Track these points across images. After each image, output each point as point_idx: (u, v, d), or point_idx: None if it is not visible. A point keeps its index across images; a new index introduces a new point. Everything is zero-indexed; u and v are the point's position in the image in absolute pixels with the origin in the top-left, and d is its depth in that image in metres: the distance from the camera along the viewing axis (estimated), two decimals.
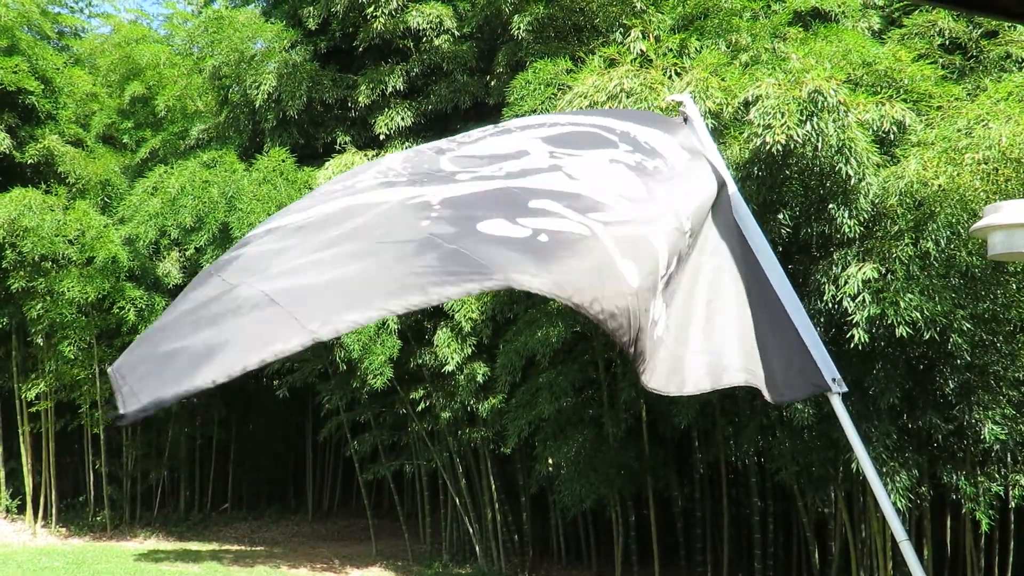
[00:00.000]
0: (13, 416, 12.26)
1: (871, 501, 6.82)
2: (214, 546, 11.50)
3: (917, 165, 4.52)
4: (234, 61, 9.69)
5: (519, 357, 7.76)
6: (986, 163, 4.19)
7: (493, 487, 10.06)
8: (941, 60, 5.89)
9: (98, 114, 12.45)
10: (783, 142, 4.46)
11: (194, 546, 11.45)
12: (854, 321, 4.90)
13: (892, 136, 4.82)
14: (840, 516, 7.56)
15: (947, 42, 6.13)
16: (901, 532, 3.28)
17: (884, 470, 5.56)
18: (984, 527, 5.83)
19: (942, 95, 5.09)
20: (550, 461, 8.39)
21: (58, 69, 12.04)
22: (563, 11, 7.69)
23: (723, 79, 5.12)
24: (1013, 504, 6.77)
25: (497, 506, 10.07)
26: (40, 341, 11.41)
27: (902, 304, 4.69)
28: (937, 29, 6.06)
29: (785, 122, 4.44)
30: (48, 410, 11.90)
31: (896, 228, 5.05)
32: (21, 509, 12.67)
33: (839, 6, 6.53)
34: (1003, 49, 5.80)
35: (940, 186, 4.38)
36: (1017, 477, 6.41)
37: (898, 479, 5.56)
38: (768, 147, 4.53)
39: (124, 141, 12.54)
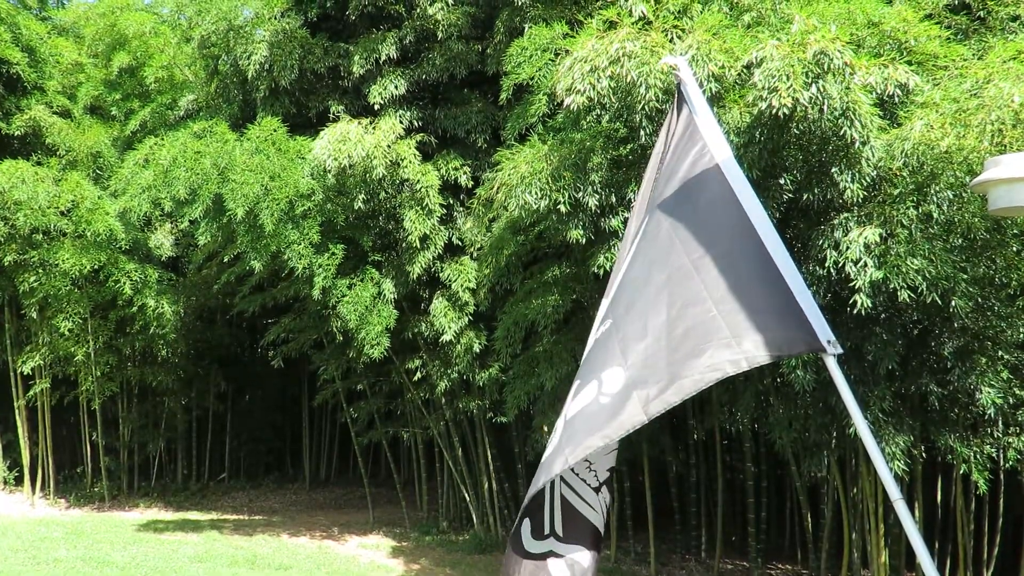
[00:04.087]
0: (8, 389, 12.24)
1: (863, 465, 6.90)
2: (213, 515, 11.57)
3: (923, 127, 4.50)
4: (222, 30, 9.54)
5: (519, 329, 7.76)
6: (993, 124, 4.17)
7: (489, 455, 10.12)
8: (946, 20, 5.85)
9: (84, 85, 12.28)
10: (789, 105, 4.43)
11: (193, 515, 11.52)
12: (856, 286, 4.91)
13: (896, 99, 4.80)
14: (833, 480, 7.65)
15: (954, 2, 6.09)
16: (895, 492, 3.33)
17: (880, 433, 5.62)
18: (982, 488, 5.90)
19: (948, 55, 5.06)
20: (544, 429, 8.44)
21: (42, 39, 11.85)
22: None
23: (724, 41, 5.07)
24: (1007, 466, 6.87)
25: (493, 474, 10.15)
26: (34, 314, 11.36)
27: (904, 268, 4.70)
28: None
29: (791, 85, 4.40)
30: (44, 386, 11.90)
31: (897, 191, 5.05)
32: (19, 481, 12.71)
33: None
34: (1010, 10, 5.76)
35: (945, 148, 4.37)
36: (1010, 440, 6.49)
37: (894, 443, 5.62)
38: (774, 111, 4.50)
39: (112, 112, 12.39)
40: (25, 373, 11.72)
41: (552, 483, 3.74)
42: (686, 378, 3.18)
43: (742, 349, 3.18)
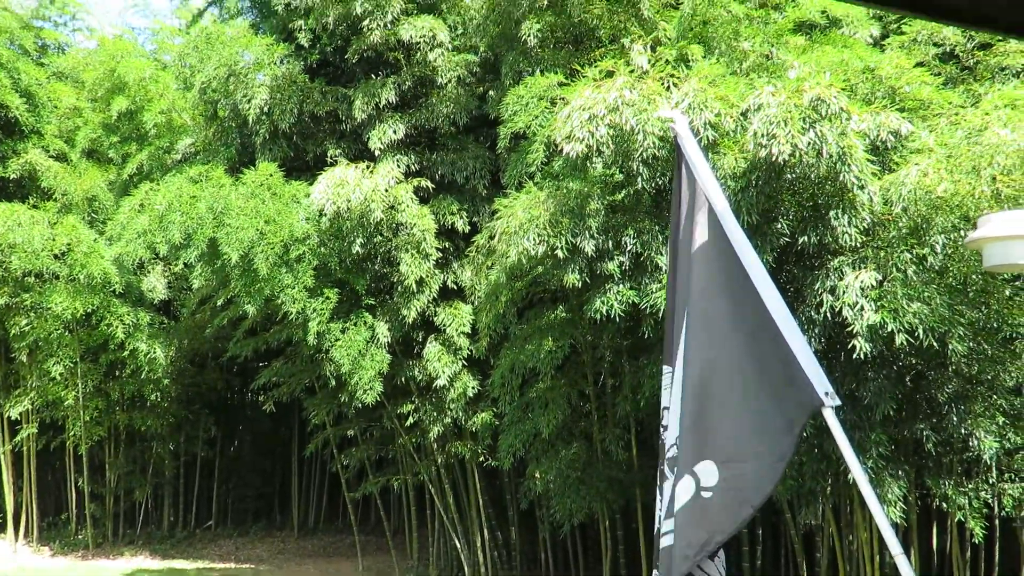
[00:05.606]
0: None
1: (859, 512, 6.87)
2: (200, 564, 11.37)
3: (918, 172, 4.59)
4: (223, 76, 9.68)
5: (515, 375, 7.74)
6: (992, 169, 4.27)
7: (481, 501, 10.02)
8: (935, 69, 6.02)
9: (82, 129, 12.38)
10: (788, 151, 4.52)
11: (179, 564, 11.31)
12: (854, 331, 4.94)
13: (887, 144, 4.90)
14: (828, 527, 7.60)
15: (943, 52, 6.28)
16: (896, 546, 3.29)
17: (878, 479, 5.61)
18: (978, 537, 5.88)
19: (940, 102, 5.19)
20: (537, 477, 8.38)
21: (40, 84, 11.99)
22: (567, 21, 7.79)
23: (720, 89, 5.18)
24: (1003, 513, 6.85)
25: (484, 520, 10.04)
26: (23, 358, 11.27)
27: (902, 312, 4.75)
28: (940, 36, 6.21)
29: (789, 130, 4.49)
30: (31, 431, 11.75)
31: (891, 235, 5.12)
32: (2, 527, 12.46)
33: (845, 14, 6.66)
34: (998, 60, 5.93)
35: (941, 193, 4.46)
36: (1004, 486, 6.49)
37: (891, 491, 5.61)
38: (774, 157, 4.59)
39: (109, 155, 12.46)
40: (12, 418, 11.58)
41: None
42: (767, 471, 3.28)
43: (790, 434, 3.29)
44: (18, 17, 12.81)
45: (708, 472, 3.41)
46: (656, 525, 3.92)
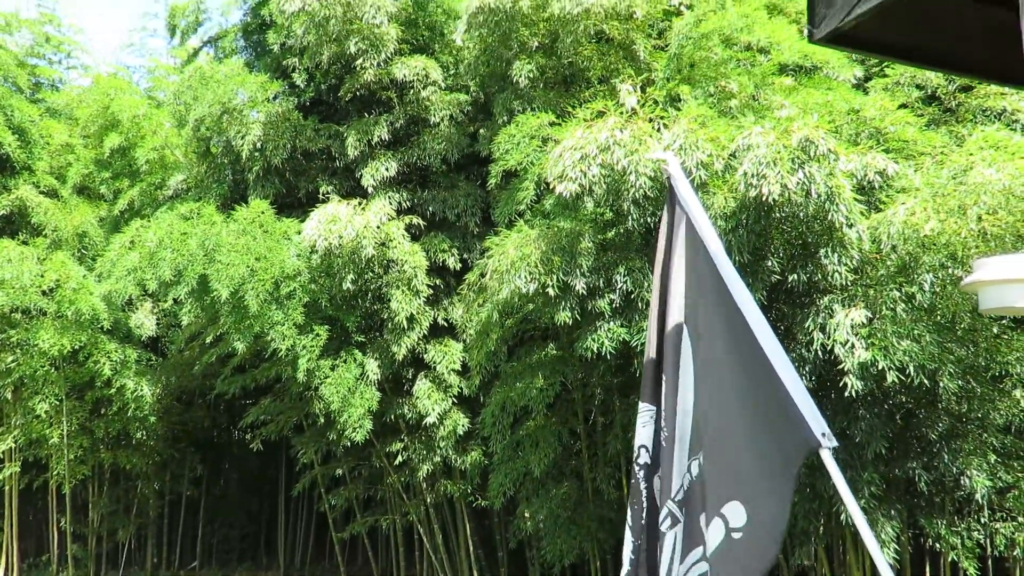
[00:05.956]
0: None
1: (852, 553, 6.83)
2: None
3: (905, 212, 4.65)
4: (217, 113, 9.75)
5: (507, 414, 7.70)
6: (979, 208, 4.33)
7: (470, 543, 9.90)
8: (918, 110, 6.14)
9: (74, 165, 12.38)
10: (778, 192, 4.57)
11: None
12: (845, 369, 4.96)
13: (874, 184, 4.97)
14: (821, 569, 7.54)
15: (925, 94, 6.41)
16: None
17: (871, 519, 5.59)
18: None
19: (923, 142, 5.28)
20: (527, 516, 8.30)
21: (33, 121, 12.01)
22: (557, 62, 7.91)
23: (710, 130, 5.25)
24: (997, 552, 6.81)
25: (474, 561, 9.91)
26: (8, 396, 11.13)
27: (892, 350, 4.77)
28: (923, 79, 6.35)
29: (779, 171, 4.55)
30: (14, 470, 11.57)
31: (880, 273, 5.16)
32: None
33: (825, 60, 6.80)
34: (979, 102, 6.05)
35: (928, 232, 4.51)
36: (997, 525, 6.47)
37: (885, 531, 5.58)
38: (764, 197, 4.64)
39: (101, 192, 12.45)
40: None
41: None
42: (778, 510, 3.28)
43: (789, 475, 3.30)
44: (12, 54, 12.90)
45: (736, 513, 3.38)
46: (627, 568, 3.84)
